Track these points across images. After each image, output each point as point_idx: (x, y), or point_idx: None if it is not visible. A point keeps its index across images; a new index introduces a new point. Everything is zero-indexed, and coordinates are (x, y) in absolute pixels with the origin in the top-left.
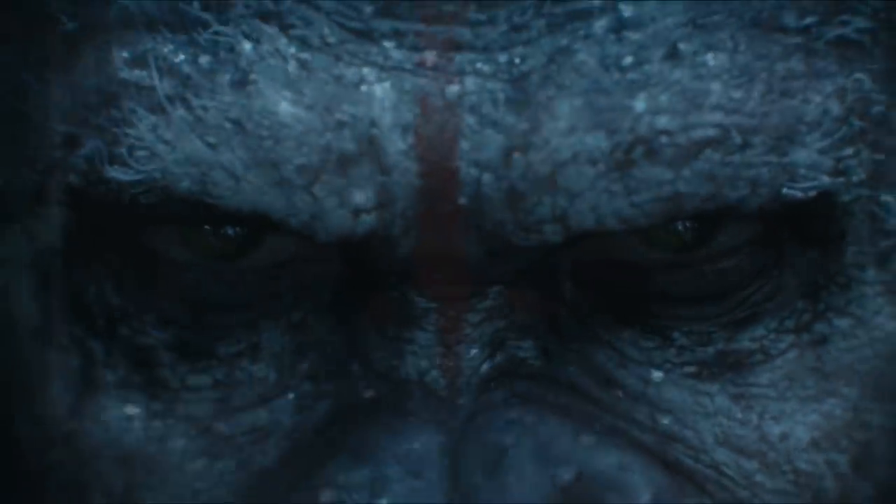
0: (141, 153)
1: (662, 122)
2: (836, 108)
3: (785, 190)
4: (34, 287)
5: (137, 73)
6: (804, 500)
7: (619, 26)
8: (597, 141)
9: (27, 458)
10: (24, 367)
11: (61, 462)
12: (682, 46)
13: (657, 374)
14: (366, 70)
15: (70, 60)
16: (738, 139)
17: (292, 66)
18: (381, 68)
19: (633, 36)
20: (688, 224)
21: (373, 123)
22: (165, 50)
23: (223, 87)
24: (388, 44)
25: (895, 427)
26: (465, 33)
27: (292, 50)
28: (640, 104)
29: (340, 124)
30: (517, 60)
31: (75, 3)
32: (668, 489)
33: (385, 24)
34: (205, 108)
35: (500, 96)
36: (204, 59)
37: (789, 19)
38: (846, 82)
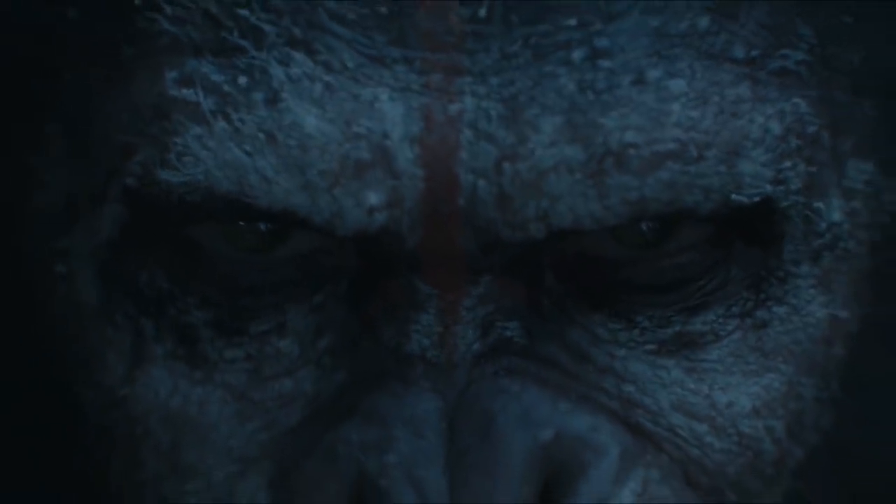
0: (187, 159)
1: (630, 137)
2: (776, 127)
3: (733, 196)
4: (95, 274)
5: (185, 92)
6: (746, 459)
7: (594, 55)
8: (574, 153)
9: (87, 418)
10: (86, 341)
11: (116, 422)
12: (647, 73)
13: (622, 351)
14: (379, 90)
15: (127, 81)
16: (694, 153)
17: (317, 87)
18: (393, 89)
19: (606, 64)
20: (650, 224)
21: (385, 135)
22: (208, 72)
23: (258, 104)
24: (398, 68)
25: (823, 398)
26: (464, 60)
27: (317, 73)
28: (611, 122)
29: (357, 136)
30: (507, 83)
31: (133, 32)
32: (632, 447)
33: (396, 52)
34: (242, 122)
35: (493, 114)
36: (241, 80)
37: (738, 52)
38: (785, 106)
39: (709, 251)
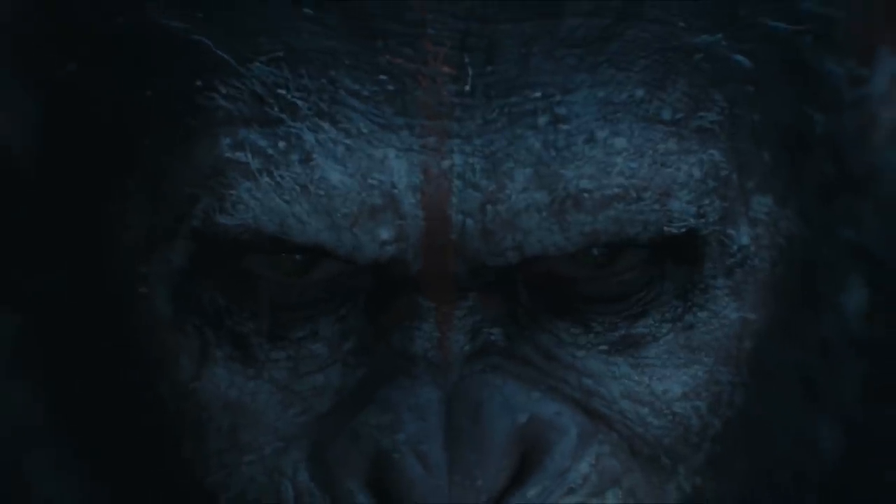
0: (239, 206)
1: (584, 184)
2: (697, 173)
3: (665, 228)
4: (169, 294)
5: (237, 154)
6: (678, 432)
7: (555, 120)
8: (541, 197)
9: (164, 407)
10: (162, 346)
11: (187, 409)
12: (597, 134)
13: (581, 352)
14: (388, 150)
15: (192, 145)
16: (634, 195)
17: (339, 148)
18: (398, 149)
19: (564, 127)
20: (601, 250)
21: (393, 186)
22: (255, 138)
23: (294, 163)
24: (402, 133)
25: (735, 382)
26: (454, 125)
27: (339, 137)
28: (569, 172)
29: (371, 186)
30: (488, 143)
31: (195, 107)
32: (588, 428)
33: (400, 120)
34: (282, 177)
35: (477, 167)
36: (281, 144)
37: (666, 115)
38: (704, 156)
39: (646, 270)
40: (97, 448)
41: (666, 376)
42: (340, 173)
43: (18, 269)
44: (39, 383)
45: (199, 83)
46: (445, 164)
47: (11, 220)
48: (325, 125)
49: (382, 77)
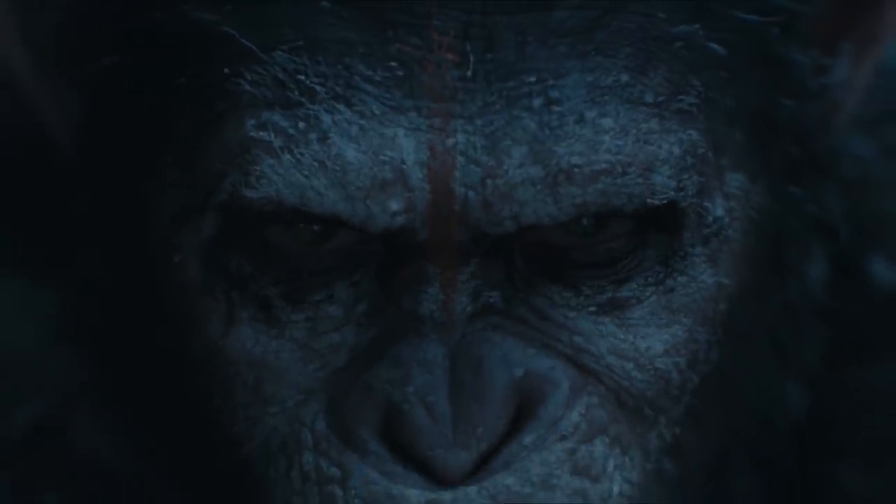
0: (263, 181)
1: (575, 160)
2: (677, 151)
3: (648, 200)
4: (199, 262)
5: (261, 134)
6: (659, 386)
7: (549, 102)
8: (536, 171)
9: (196, 363)
10: (194, 309)
11: (217, 366)
12: (586, 115)
13: (573, 313)
14: (398, 130)
15: (220, 126)
16: (620, 170)
17: (354, 128)
18: (407, 129)
19: (557, 108)
20: (590, 220)
21: (402, 162)
22: (277, 120)
23: (312, 142)
24: (410, 114)
25: (711, 340)
26: (457, 107)
27: (354, 118)
28: (561, 149)
29: (383, 162)
30: (488, 123)
31: (224, 92)
32: (579, 381)
33: (409, 102)
34: (301, 154)
35: (478, 145)
36: (301, 125)
37: (648, 98)
38: (683, 135)
39: (631, 238)
40: (135, 406)
41: (649, 335)
42: (355, 150)
43: (63, 246)
44: (82, 349)
45: (227, 70)
46: (450, 142)
47: (55, 202)
48: (341, 107)
49: (392, 63)
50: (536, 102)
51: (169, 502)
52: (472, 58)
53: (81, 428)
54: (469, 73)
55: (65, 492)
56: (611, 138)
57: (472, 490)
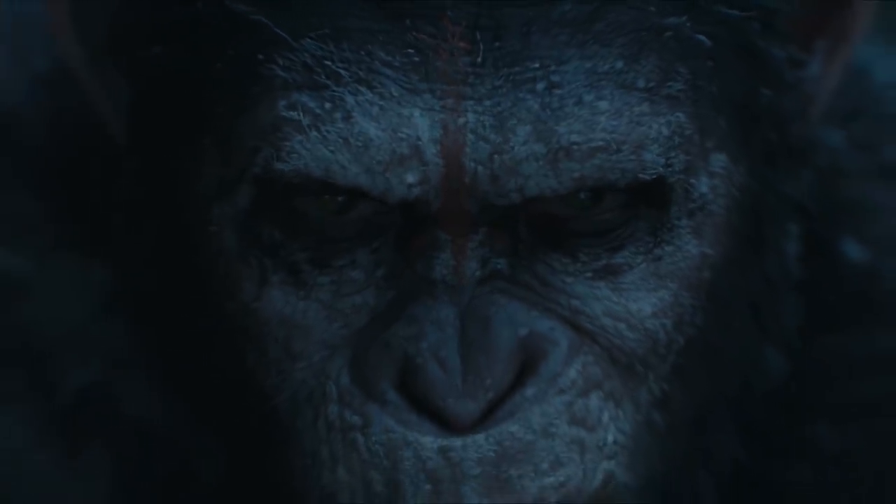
0: (293, 156)
1: (574, 138)
2: (666, 131)
3: (639, 175)
4: (234, 230)
5: (291, 114)
6: (649, 345)
7: (550, 86)
8: (539, 148)
9: (231, 322)
10: (229, 273)
11: (250, 324)
12: (584, 97)
13: (570, 279)
14: (414, 110)
15: (255, 107)
16: (614, 147)
17: (374, 108)
18: (422, 109)
19: (558, 92)
20: (587, 193)
21: (418, 139)
22: (306, 100)
23: (337, 120)
24: (426, 96)
25: (696, 305)
26: (468, 90)
27: (374, 99)
28: (562, 129)
29: (400, 139)
30: (496, 105)
31: (257, 76)
32: (576, 340)
33: (424, 85)
34: (328, 132)
35: (487, 124)
36: (327, 105)
37: (640, 83)
38: (671, 118)
39: (624, 211)
40: (177, 369)
41: (639, 298)
42: (375, 128)
43: (111, 224)
44: (129, 319)
45: (260, 57)
46: (461, 121)
47: (104, 183)
48: (363, 89)
49: (410, 50)
50: (539, 86)
51: (205, 458)
52: (481, 46)
53: (128, 392)
54: (479, 60)
55: (112, 449)
56: (606, 119)
57: (479, 437)
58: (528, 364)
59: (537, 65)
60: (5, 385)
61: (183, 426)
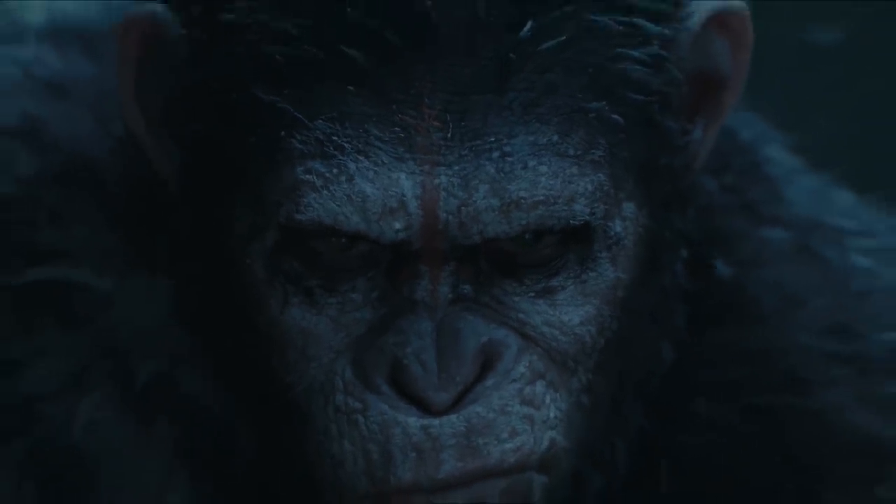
0: (309, 209)
1: (522, 194)
2: (590, 188)
3: (571, 221)
4: (264, 264)
5: (307, 176)
6: (578, 347)
7: (503, 155)
8: (495, 202)
9: (260, 333)
10: (259, 296)
11: (275, 335)
12: (529, 163)
13: (518, 298)
14: (400, 174)
15: (278, 170)
16: (552, 201)
17: (370, 173)
18: (407, 173)
19: (509, 159)
20: (530, 235)
21: (403, 195)
22: (318, 167)
23: (342, 182)
24: (409, 163)
25: (613, 316)
26: (440, 158)
27: (370, 166)
28: (512, 187)
29: (390, 195)
30: (462, 170)
31: (281, 147)
32: (523, 345)
33: (407, 155)
34: (335, 191)
35: (455, 184)
36: (334, 170)
37: (571, 151)
38: (594, 178)
39: (558, 247)
40: (222, 364)
41: (570, 311)
42: (371, 188)
43: (172, 251)
44: (187, 324)
45: (282, 133)
46: (436, 182)
47: (167, 220)
48: (362, 158)
49: (396, 128)
50: (495, 155)
51: (243, 434)
52: (451, 125)
53: (187, 380)
54: (449, 135)
55: (176, 425)
56: (546, 179)
57: (453, 417)
58: (487, 363)
59: (493, 139)
60: (95, 374)
61: (227, 408)
